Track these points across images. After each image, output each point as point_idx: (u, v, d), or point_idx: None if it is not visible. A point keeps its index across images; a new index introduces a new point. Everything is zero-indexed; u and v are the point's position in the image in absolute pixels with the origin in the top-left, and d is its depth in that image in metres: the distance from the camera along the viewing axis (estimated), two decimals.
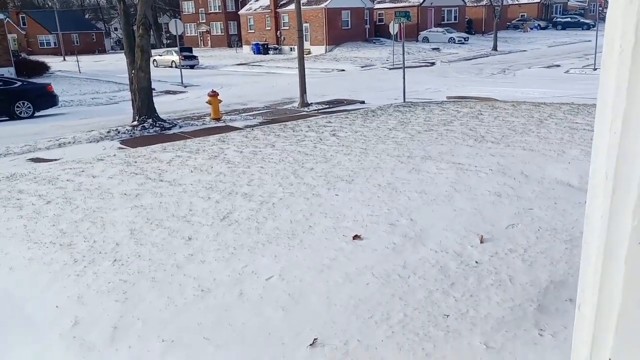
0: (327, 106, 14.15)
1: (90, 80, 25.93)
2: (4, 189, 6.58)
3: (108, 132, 11.08)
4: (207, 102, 12.62)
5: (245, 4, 47.57)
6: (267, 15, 42.86)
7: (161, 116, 12.12)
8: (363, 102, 14.44)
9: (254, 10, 44.55)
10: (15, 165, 8.40)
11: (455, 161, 6.66)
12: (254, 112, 13.72)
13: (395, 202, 5.26)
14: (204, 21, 54.28)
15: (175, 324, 3.28)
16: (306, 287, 3.66)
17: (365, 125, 9.80)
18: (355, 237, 4.45)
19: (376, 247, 4.24)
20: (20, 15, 54.32)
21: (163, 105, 14.69)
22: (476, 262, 3.89)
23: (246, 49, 44.20)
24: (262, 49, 41.29)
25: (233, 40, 49.30)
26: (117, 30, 67.50)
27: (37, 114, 15.24)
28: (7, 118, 14.62)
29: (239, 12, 47.62)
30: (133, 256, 4.35)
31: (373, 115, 11.15)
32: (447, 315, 3.20)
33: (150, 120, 11.63)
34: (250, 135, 9.63)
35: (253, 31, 44.50)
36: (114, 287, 3.83)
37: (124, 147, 9.62)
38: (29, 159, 8.86)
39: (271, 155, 7.67)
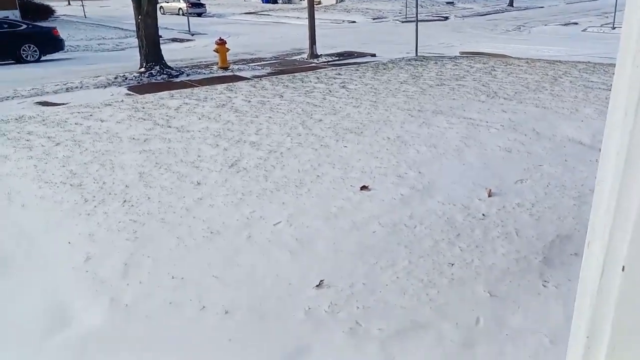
0: (337, 58, 13.90)
1: (96, 25, 25.47)
2: (14, 130, 6.60)
3: (115, 78, 10.98)
4: (214, 51, 12.42)
5: None
6: None
7: (168, 64, 11.96)
8: (374, 55, 14.16)
9: None
10: (24, 108, 8.38)
11: (466, 116, 6.58)
12: (262, 62, 13.52)
13: (404, 155, 5.24)
14: None
15: (185, 263, 3.35)
16: (313, 233, 3.71)
17: (376, 78, 9.64)
18: (363, 187, 4.46)
19: (383, 198, 4.25)
20: None
21: (170, 53, 14.46)
22: (483, 215, 3.91)
23: None
24: None
25: None
26: None
27: (43, 58, 15.07)
28: (13, 61, 14.47)
29: None
30: (142, 198, 4.39)
31: (384, 69, 10.96)
32: (452, 264, 3.24)
33: (157, 68, 11.49)
34: (258, 85, 9.52)
35: None
36: (124, 227, 3.88)
37: (132, 93, 9.55)
38: (37, 102, 8.83)
39: (279, 105, 7.60)
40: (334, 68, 11.68)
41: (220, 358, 2.50)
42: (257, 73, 11.53)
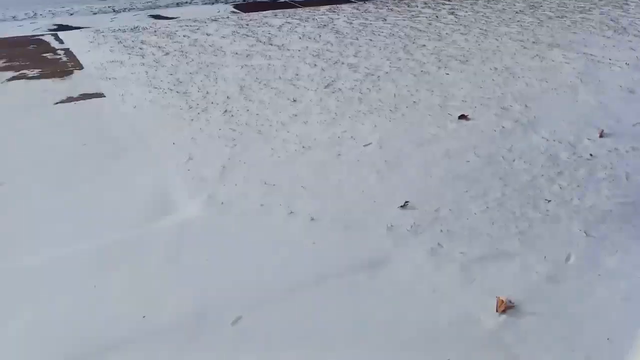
0: None
1: None
2: (129, 39, 7.02)
3: None
4: None
5: None
6: None
7: None
8: None
9: None
10: (138, 20, 8.83)
11: (586, 52, 5.96)
12: None
13: (511, 87, 4.91)
14: None
15: (276, 172, 3.49)
16: (403, 157, 3.67)
17: (489, 6, 8.94)
18: (462, 116, 4.28)
19: (483, 128, 4.06)
20: None
21: None
22: (591, 154, 3.62)
23: None
24: None
25: None
26: None
27: None
28: None
29: None
30: (242, 109, 4.56)
31: None
32: (549, 201, 3.08)
33: None
34: (361, 7, 9.22)
35: None
36: (223, 134, 4.08)
37: (237, 11, 9.69)
38: (150, 15, 9.26)
39: (381, 28, 7.35)
40: None
41: (304, 257, 2.63)
42: None
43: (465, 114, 4.29)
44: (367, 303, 2.33)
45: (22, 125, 4.30)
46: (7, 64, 6.09)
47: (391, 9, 8.85)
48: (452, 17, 8.02)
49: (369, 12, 8.70)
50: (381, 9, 8.96)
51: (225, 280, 2.48)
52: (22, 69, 5.85)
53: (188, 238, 2.82)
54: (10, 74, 5.67)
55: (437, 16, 8.10)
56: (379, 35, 6.97)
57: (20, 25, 8.46)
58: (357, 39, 6.83)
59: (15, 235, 2.86)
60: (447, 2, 9.43)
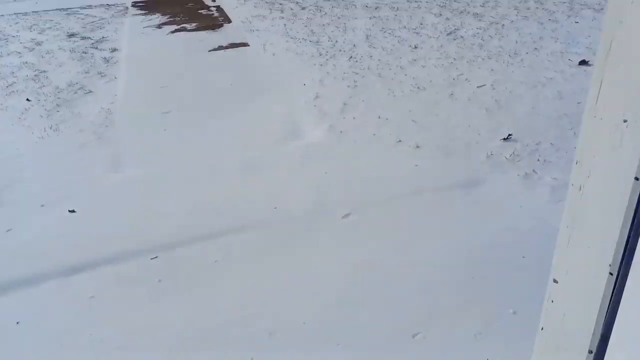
0: None
1: None
2: None
3: None
4: None
5: None
6: None
7: None
8: None
9: None
10: None
11: None
12: None
13: None
14: None
15: (391, 108, 3.90)
16: (514, 98, 3.83)
17: None
18: (582, 62, 4.26)
19: None
20: None
21: None
22: None
23: None
24: None
25: None
26: None
27: None
28: None
29: None
30: (365, 56, 4.99)
31: None
32: None
33: None
34: None
35: None
36: (347, 77, 4.57)
37: None
38: None
39: None
40: None
41: (407, 176, 3.05)
42: None
43: (586, 60, 4.25)
44: (458, 212, 2.69)
45: (183, 68, 5.21)
46: (170, 19, 7.17)
47: None
48: None
49: None
50: None
51: (338, 187, 3.00)
52: (183, 23, 6.87)
53: (311, 157, 3.38)
54: (174, 27, 6.71)
55: None
56: None
57: None
58: None
59: (177, 149, 3.67)
60: None
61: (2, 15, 7.90)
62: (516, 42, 4.85)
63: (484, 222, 2.56)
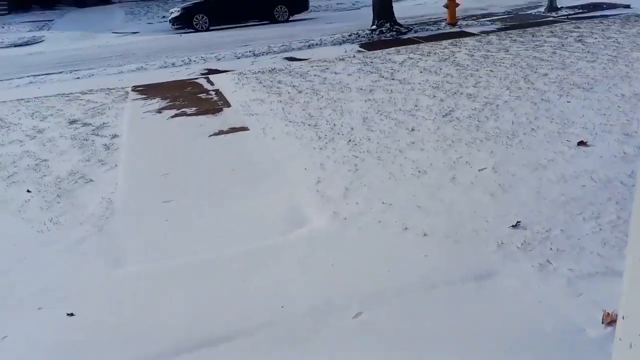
0: (580, 11, 12.53)
1: None
2: (268, 79, 7.99)
3: (349, 35, 12.00)
4: (443, 6, 12.47)
5: None
6: None
7: (398, 21, 12.48)
8: (628, 6, 12.32)
9: None
10: (275, 62, 9.92)
11: None
12: (493, 18, 13.03)
13: (639, 113, 4.78)
14: None
15: (393, 193, 3.87)
16: (517, 181, 3.83)
17: (622, 32, 8.55)
18: (581, 143, 4.31)
19: (602, 154, 4.06)
20: None
21: (401, 10, 14.92)
22: None
23: None
24: None
25: None
26: None
27: (291, 18, 17.16)
28: (268, 21, 16.86)
29: None
30: (364, 139, 5.04)
31: (635, 21, 9.57)
32: None
33: (387, 25, 12.12)
34: (484, 40, 9.37)
35: None
36: (347, 160, 4.58)
37: (362, 50, 10.39)
38: (285, 57, 10.33)
39: (503, 59, 7.45)
40: (573, 22, 10.65)
41: (417, 267, 2.96)
42: (485, 28, 11.23)
43: (585, 140, 4.31)
44: (473, 309, 2.58)
45: (184, 154, 5.23)
46: (170, 103, 7.32)
47: (514, 40, 8.88)
48: (579, 44, 7.84)
49: (491, 43, 8.83)
50: (504, 40, 9.03)
51: (346, 281, 2.89)
52: (183, 107, 7.00)
53: (316, 246, 3.30)
54: (174, 111, 6.83)
55: (562, 45, 7.98)
56: (499, 65, 7.11)
57: (177, 71, 9.99)
58: (477, 70, 7.04)
59: (179, 241, 3.58)
60: (576, 30, 9.19)
61: (5, 102, 8.05)
62: (512, 122, 4.94)
63: (502, 323, 2.45)
